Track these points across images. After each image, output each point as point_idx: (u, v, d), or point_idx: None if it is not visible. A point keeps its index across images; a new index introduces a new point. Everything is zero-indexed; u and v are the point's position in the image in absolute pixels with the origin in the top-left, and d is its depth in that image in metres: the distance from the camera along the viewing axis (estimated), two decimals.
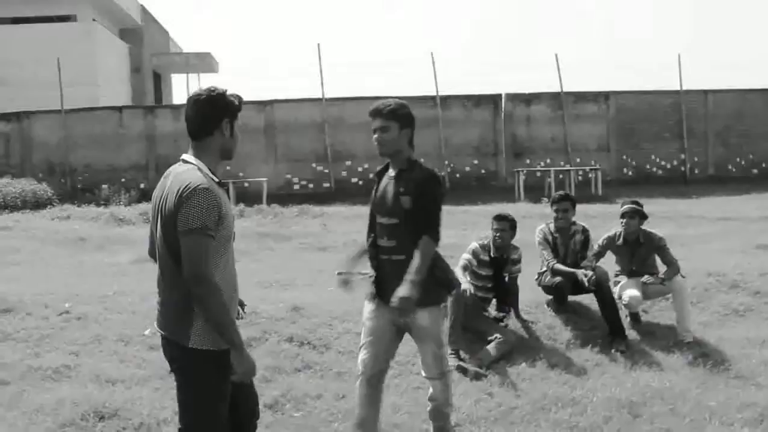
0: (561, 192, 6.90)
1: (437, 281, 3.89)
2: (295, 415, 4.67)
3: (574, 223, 6.57)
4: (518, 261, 6.28)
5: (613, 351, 5.89)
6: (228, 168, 17.44)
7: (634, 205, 6.49)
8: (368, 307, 4.00)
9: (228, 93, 3.08)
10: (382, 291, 3.89)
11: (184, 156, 3.10)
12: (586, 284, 6.10)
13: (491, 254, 6.19)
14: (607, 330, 6.16)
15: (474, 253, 6.18)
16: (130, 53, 25.21)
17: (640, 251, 6.56)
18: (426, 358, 3.99)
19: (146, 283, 7.67)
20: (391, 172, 3.94)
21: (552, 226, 6.59)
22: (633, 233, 6.51)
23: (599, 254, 6.62)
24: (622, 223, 6.52)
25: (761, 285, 7.42)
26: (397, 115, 3.86)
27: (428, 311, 3.85)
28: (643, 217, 6.52)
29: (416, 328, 3.91)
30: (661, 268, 6.54)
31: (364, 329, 4.01)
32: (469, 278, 6.03)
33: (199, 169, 3.01)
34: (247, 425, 3.33)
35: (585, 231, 6.57)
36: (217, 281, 2.89)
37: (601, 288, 6.15)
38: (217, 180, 3.06)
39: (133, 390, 4.86)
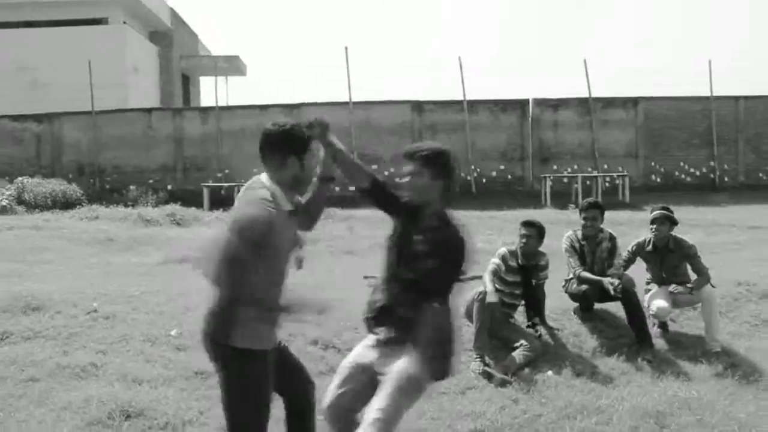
0: (590, 199, 6.82)
1: (438, 354, 3.35)
2: (319, 418, 4.67)
3: (601, 231, 6.49)
4: (545, 267, 6.23)
5: (639, 360, 5.82)
6: (255, 171, 17.42)
7: (664, 211, 6.41)
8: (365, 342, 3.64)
9: (297, 128, 3.25)
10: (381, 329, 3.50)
11: (261, 177, 3.26)
12: (612, 292, 6.04)
13: (519, 261, 6.16)
14: (633, 338, 6.09)
15: (503, 258, 6.15)
16: (160, 56, 25.47)
17: (670, 258, 6.46)
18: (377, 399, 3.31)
19: (173, 284, 7.76)
20: (421, 222, 3.46)
21: (579, 233, 6.52)
22: (663, 239, 6.42)
23: (629, 261, 6.56)
24: (651, 229, 6.43)
25: None
26: (431, 162, 3.45)
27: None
28: (674, 223, 6.43)
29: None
30: (693, 276, 6.46)
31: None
32: (496, 284, 6.00)
33: (273, 194, 3.16)
34: (309, 414, 3.52)
35: (612, 239, 6.49)
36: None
37: (627, 296, 6.09)
38: (288, 209, 3.22)
39: (159, 390, 4.90)
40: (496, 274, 6.09)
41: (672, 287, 6.31)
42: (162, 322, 6.14)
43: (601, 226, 6.50)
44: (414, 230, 3.41)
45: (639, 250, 6.57)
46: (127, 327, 6.01)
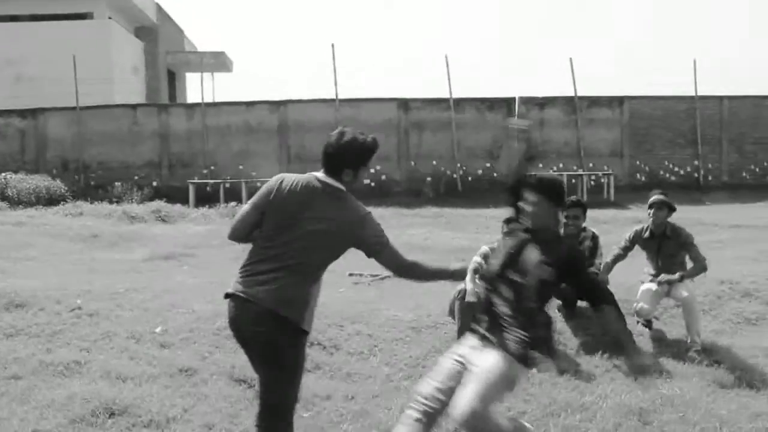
0: (572, 198, 6.77)
1: (537, 341, 3.68)
2: (304, 415, 4.67)
3: (584, 229, 6.51)
4: None
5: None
6: (240, 167, 17.50)
7: (662, 197, 6.39)
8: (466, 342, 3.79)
9: (362, 144, 3.52)
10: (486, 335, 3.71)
11: (326, 179, 3.50)
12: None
13: None
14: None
15: (485, 257, 6.14)
16: (145, 51, 25.32)
17: (667, 245, 6.41)
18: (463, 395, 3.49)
19: (158, 281, 7.74)
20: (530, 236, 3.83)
21: (561, 231, 6.51)
22: (660, 226, 6.37)
23: (627, 248, 6.54)
24: (649, 214, 6.40)
25: None
26: (550, 193, 3.93)
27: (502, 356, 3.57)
28: (671, 209, 6.41)
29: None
30: (690, 266, 6.42)
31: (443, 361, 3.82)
32: (479, 282, 6.00)
33: (348, 192, 3.53)
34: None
35: (594, 237, 6.51)
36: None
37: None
38: None
39: (143, 387, 4.88)
40: (477, 272, 6.08)
41: (661, 277, 6.27)
42: (147, 319, 6.13)
43: (584, 224, 6.53)
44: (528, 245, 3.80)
45: (636, 238, 6.54)
46: (111, 324, 5.99)
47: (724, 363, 5.78)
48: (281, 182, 3.53)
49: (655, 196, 6.41)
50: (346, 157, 3.48)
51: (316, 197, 3.46)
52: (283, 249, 3.43)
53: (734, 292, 7.38)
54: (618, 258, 6.57)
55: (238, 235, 3.63)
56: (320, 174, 3.52)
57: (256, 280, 3.41)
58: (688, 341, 6.10)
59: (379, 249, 3.48)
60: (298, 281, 3.42)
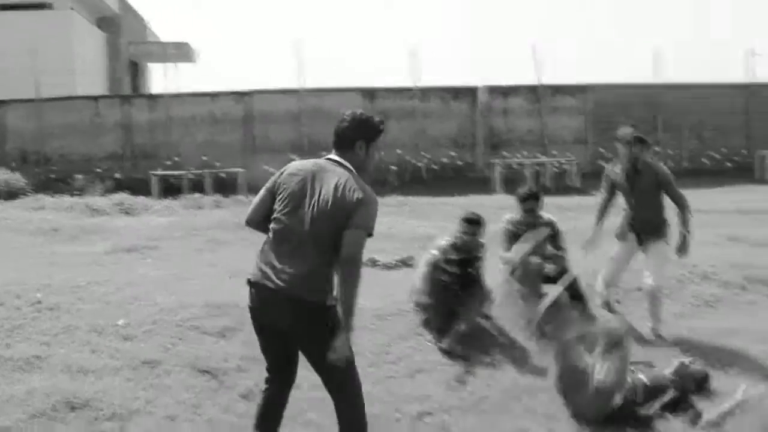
0: (525, 191, 6.61)
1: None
2: None
3: (540, 217, 6.52)
4: (481, 258, 6.17)
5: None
6: (205, 158, 17.35)
7: (632, 131, 6.12)
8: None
9: (371, 119, 3.69)
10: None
11: (335, 157, 3.60)
12: (552, 274, 6.19)
13: (458, 254, 6.03)
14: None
15: (443, 252, 6.10)
16: (108, 42, 24.95)
17: (639, 182, 6.11)
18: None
19: (121, 273, 7.65)
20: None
21: (520, 217, 6.55)
22: (631, 161, 6.08)
23: (609, 191, 6.37)
24: (620, 149, 6.15)
25: (732, 276, 7.52)
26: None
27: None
28: (643, 142, 6.12)
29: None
30: (670, 215, 6.27)
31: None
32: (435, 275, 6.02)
33: (355, 175, 3.54)
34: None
35: (552, 225, 6.50)
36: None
37: (571, 286, 6.24)
38: None
39: (105, 380, 4.84)
40: (432, 265, 6.05)
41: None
42: (109, 312, 6.06)
43: (540, 212, 6.52)
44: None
45: (609, 178, 6.36)
46: (72, 318, 5.91)
47: (683, 344, 5.88)
48: (291, 164, 3.69)
49: (624, 131, 6.12)
50: (360, 129, 3.61)
51: (322, 174, 3.52)
52: (294, 228, 3.48)
53: (694, 276, 7.51)
54: (605, 204, 6.45)
55: (253, 218, 3.70)
56: (331, 155, 3.63)
57: (273, 265, 3.47)
58: (650, 326, 6.18)
59: (352, 228, 3.40)
60: (314, 261, 3.43)
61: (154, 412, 4.48)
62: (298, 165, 3.65)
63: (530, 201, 6.43)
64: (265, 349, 3.73)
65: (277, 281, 3.43)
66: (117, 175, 17.10)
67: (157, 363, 5.18)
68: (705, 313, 6.84)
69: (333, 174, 3.51)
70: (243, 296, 6.25)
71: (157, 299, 6.37)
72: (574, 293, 6.29)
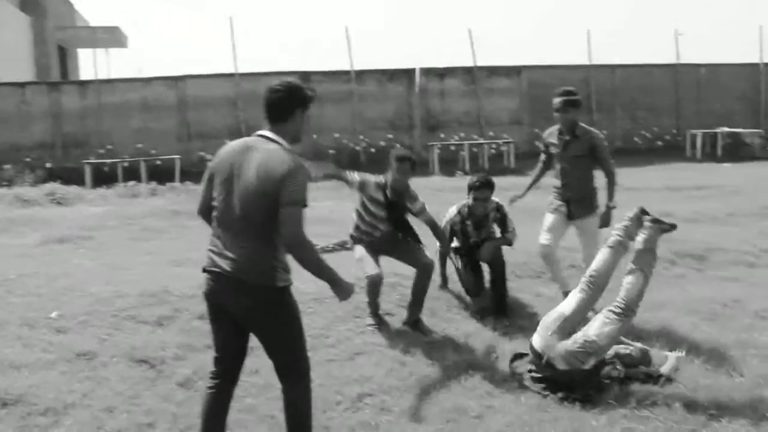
0: (480, 178, 6.25)
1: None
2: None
3: (490, 202, 6.33)
4: (415, 198, 6.02)
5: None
6: (140, 146, 17.01)
7: (568, 96, 6.01)
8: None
9: (304, 86, 3.59)
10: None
11: (266, 133, 3.50)
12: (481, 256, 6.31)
13: (388, 194, 5.94)
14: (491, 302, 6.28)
15: (377, 186, 5.99)
16: (33, 26, 24.13)
17: (572, 146, 6.08)
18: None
19: (53, 264, 7.48)
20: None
21: (466, 210, 6.38)
22: (567, 125, 6.06)
23: (546, 154, 6.37)
24: (555, 117, 6.09)
25: (661, 251, 7.61)
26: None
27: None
28: (576, 106, 6.04)
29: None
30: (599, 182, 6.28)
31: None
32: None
33: (285, 148, 3.44)
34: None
35: (500, 209, 6.39)
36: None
37: (496, 265, 6.26)
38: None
39: (39, 374, 4.72)
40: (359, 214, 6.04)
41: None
42: (41, 305, 5.93)
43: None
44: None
45: (546, 142, 6.36)
46: (2, 312, 5.76)
47: None
48: (222, 148, 3.62)
49: (559, 98, 6.03)
50: (296, 97, 3.53)
51: (250, 152, 3.44)
52: (229, 213, 3.46)
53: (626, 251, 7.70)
54: (541, 168, 6.51)
55: (201, 209, 3.70)
56: (262, 131, 3.54)
57: (219, 252, 3.48)
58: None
59: (284, 206, 3.31)
60: (253, 245, 3.40)
61: (91, 404, 4.40)
62: (227, 148, 3.58)
63: (486, 190, 6.19)
64: (218, 336, 3.70)
65: (224, 267, 3.44)
66: (48, 165, 16.62)
67: (92, 355, 5.09)
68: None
69: (258, 152, 3.42)
70: (178, 284, 6.27)
71: (91, 290, 6.25)
72: (496, 277, 6.29)
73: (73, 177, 15.44)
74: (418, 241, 6.08)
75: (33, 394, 4.44)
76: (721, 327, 5.73)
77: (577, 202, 6.17)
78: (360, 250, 5.95)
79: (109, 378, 4.77)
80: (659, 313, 6.10)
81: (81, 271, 7.12)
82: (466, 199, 6.33)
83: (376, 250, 5.95)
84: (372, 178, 5.98)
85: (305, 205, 3.37)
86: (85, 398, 4.49)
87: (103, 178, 15.58)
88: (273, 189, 3.32)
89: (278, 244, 3.39)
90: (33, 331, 5.47)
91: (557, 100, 6.01)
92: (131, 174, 15.54)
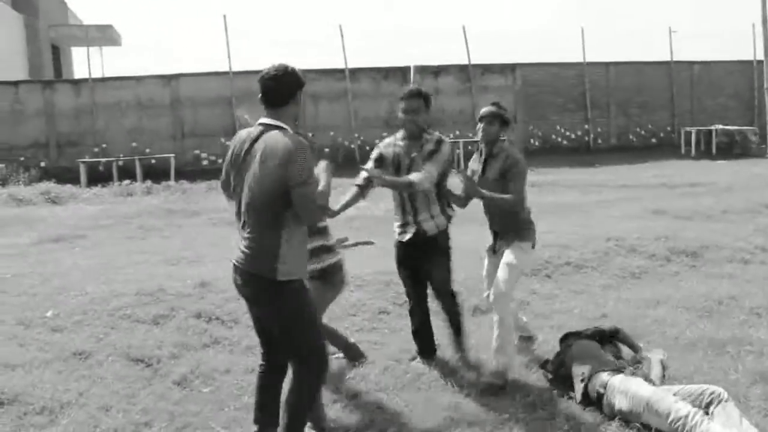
0: (412, 87, 5.03)
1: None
2: (204, 390, 4.64)
3: (428, 132, 4.92)
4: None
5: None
6: (134, 145, 16.98)
7: (492, 108, 4.95)
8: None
9: (296, 69, 3.61)
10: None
11: (267, 121, 3.54)
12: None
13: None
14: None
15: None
16: (25, 25, 24.04)
17: (491, 166, 4.94)
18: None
19: (48, 264, 7.46)
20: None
21: (400, 135, 5.07)
22: (490, 142, 4.93)
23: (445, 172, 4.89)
24: (478, 129, 5.00)
25: (656, 248, 7.78)
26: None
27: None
28: (505, 122, 4.94)
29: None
30: None
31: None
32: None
33: (288, 132, 3.47)
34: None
35: (440, 142, 4.87)
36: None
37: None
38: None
39: (34, 374, 4.71)
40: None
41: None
42: (36, 304, 5.91)
43: (432, 131, 5.02)
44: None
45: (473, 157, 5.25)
46: None
47: (611, 315, 6.04)
48: (233, 138, 3.68)
49: (484, 108, 5.01)
50: (293, 80, 3.57)
51: (253, 140, 3.50)
52: (239, 203, 3.56)
53: (620, 248, 7.74)
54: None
55: (222, 184, 3.82)
56: (263, 119, 3.57)
57: (238, 244, 3.57)
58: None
59: (295, 189, 3.33)
60: (259, 235, 3.45)
61: (87, 404, 4.39)
62: (236, 139, 3.63)
63: (415, 99, 4.84)
64: (254, 325, 3.83)
65: (238, 257, 3.53)
66: (42, 164, 16.62)
67: (88, 354, 5.08)
68: (631, 284, 7.06)
69: (262, 141, 3.45)
70: (174, 282, 6.27)
71: (87, 289, 6.25)
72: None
73: (67, 176, 15.41)
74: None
75: (29, 393, 4.43)
76: (716, 324, 5.74)
77: (503, 236, 5.01)
78: None
79: (105, 377, 4.76)
80: (654, 310, 6.11)
81: (76, 271, 7.11)
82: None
83: None
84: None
85: (313, 183, 3.42)
86: (81, 397, 4.48)
87: (98, 177, 15.56)
88: (278, 174, 3.34)
89: (283, 237, 3.42)
90: (28, 330, 5.45)
91: (484, 110, 5.01)
92: (126, 173, 15.52)
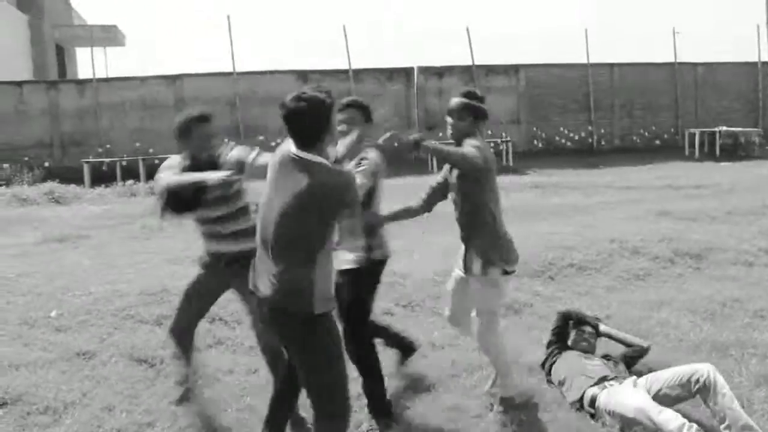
0: (348, 98, 4.62)
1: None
2: (207, 391, 4.65)
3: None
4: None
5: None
6: (138, 145, 17.00)
7: (464, 99, 4.49)
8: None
9: (323, 95, 3.21)
10: None
11: (303, 155, 3.18)
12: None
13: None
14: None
15: None
16: (30, 25, 24.08)
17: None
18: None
19: (52, 264, 7.47)
20: None
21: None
22: (459, 137, 4.44)
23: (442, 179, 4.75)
24: (447, 121, 4.56)
25: (660, 250, 7.77)
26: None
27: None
28: (478, 117, 4.48)
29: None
30: None
31: None
32: None
33: (326, 164, 3.18)
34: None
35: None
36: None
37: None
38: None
39: (38, 374, 4.72)
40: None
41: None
42: (40, 304, 5.92)
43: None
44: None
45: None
46: (1, 311, 5.75)
47: (615, 317, 6.03)
48: (272, 157, 3.39)
49: (454, 99, 4.55)
50: (322, 116, 3.20)
51: (287, 171, 3.19)
52: (264, 224, 3.26)
53: (624, 250, 7.73)
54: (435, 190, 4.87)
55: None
56: (293, 148, 3.23)
57: (260, 273, 3.30)
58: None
59: (346, 218, 3.26)
60: (294, 269, 3.16)
61: (90, 404, 4.40)
62: (277, 153, 3.32)
63: (351, 109, 4.44)
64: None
65: (267, 294, 3.24)
66: (46, 164, 16.64)
67: (92, 354, 5.09)
68: (635, 286, 7.05)
69: (305, 176, 3.12)
70: (177, 282, 6.26)
71: (90, 289, 6.25)
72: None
73: (71, 176, 15.43)
74: None
75: (32, 393, 4.44)
76: (720, 326, 5.73)
77: (468, 249, 4.43)
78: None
79: (109, 377, 4.77)
80: (658, 312, 6.11)
81: (80, 270, 7.12)
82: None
83: None
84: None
85: (360, 211, 3.35)
86: (85, 397, 4.49)
87: (102, 177, 15.58)
88: (322, 214, 3.13)
89: (316, 271, 3.15)
90: (32, 330, 5.46)
91: (455, 100, 4.54)
92: (129, 173, 15.55)
